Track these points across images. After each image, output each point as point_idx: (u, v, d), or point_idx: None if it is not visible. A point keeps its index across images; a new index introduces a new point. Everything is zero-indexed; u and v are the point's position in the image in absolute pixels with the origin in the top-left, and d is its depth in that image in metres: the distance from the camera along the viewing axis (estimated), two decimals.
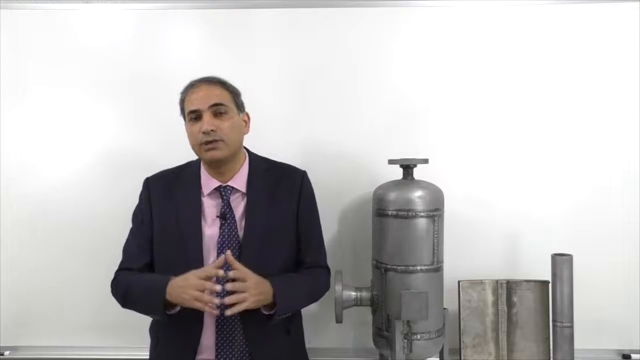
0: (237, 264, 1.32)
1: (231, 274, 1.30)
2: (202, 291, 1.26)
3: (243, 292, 1.29)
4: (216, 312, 1.30)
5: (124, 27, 1.81)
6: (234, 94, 1.46)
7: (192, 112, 1.40)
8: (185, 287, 1.28)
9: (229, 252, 1.32)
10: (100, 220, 1.78)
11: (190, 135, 1.42)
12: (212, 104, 1.39)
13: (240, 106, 1.48)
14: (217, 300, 1.26)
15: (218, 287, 1.26)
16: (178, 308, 1.34)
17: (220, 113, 1.40)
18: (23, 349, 1.82)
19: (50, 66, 1.80)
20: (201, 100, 1.39)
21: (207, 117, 1.38)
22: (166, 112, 1.75)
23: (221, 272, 1.28)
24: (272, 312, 1.36)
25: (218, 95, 1.41)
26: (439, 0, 1.77)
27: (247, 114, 1.51)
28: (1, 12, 1.79)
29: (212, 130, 1.37)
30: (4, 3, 1.79)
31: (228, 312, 1.28)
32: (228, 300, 1.27)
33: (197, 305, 1.27)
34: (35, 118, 1.80)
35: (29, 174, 1.80)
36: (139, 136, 1.80)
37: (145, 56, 1.80)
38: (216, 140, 1.38)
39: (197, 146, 1.41)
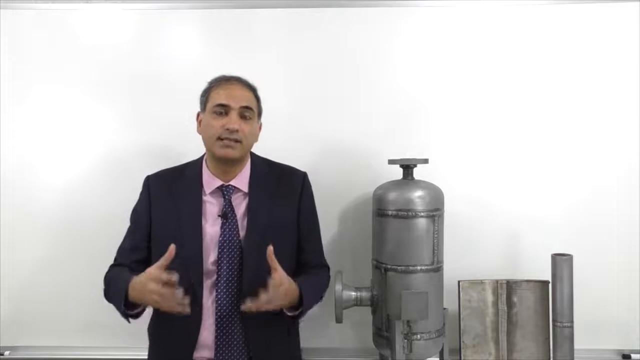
0: (275, 263, 1.29)
1: (264, 297, 1.26)
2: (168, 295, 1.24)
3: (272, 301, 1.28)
4: (187, 310, 1.26)
5: (124, 27, 1.81)
6: (258, 101, 1.48)
7: (220, 105, 1.40)
8: (143, 292, 1.26)
9: (270, 247, 1.29)
10: (100, 220, 1.78)
11: (209, 127, 1.41)
12: (244, 105, 1.41)
13: (260, 113, 1.50)
14: (187, 301, 1.24)
15: (180, 292, 1.23)
16: (141, 307, 1.34)
17: (246, 116, 1.42)
18: (23, 349, 1.82)
19: (50, 66, 1.79)
20: (235, 98, 1.40)
21: (234, 115, 1.39)
22: (167, 113, 1.77)
23: (174, 278, 1.24)
24: (295, 313, 1.37)
25: (249, 98, 1.44)
26: (439, 0, 1.77)
27: (261, 123, 1.53)
28: (1, 12, 1.79)
29: (236, 130, 1.38)
30: (4, 3, 1.79)
31: (245, 307, 1.27)
32: (256, 306, 1.26)
33: (166, 309, 1.26)
34: (35, 118, 1.80)
35: (29, 174, 1.80)
36: (139, 137, 1.80)
37: (146, 56, 1.80)
38: (235, 140, 1.39)
39: (213, 139, 1.40)
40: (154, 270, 1.25)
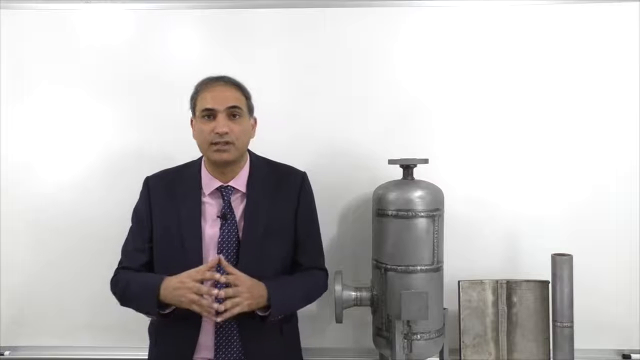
0: (231, 268, 1.32)
1: (223, 278, 1.30)
2: (200, 295, 1.27)
3: (236, 297, 1.29)
4: (216, 318, 1.29)
5: (124, 27, 1.80)
6: (247, 97, 1.46)
7: (206, 110, 1.39)
8: (181, 290, 1.28)
9: (221, 256, 1.33)
10: (100, 220, 1.78)
11: (200, 133, 1.40)
12: (230, 106, 1.39)
13: (251, 110, 1.48)
14: (216, 305, 1.26)
15: (215, 291, 1.26)
16: (173, 307, 1.34)
17: (235, 116, 1.40)
18: (23, 349, 1.82)
19: (50, 66, 1.79)
20: (219, 100, 1.39)
21: (222, 118, 1.38)
22: (166, 113, 1.77)
23: (218, 276, 1.28)
24: (266, 313, 1.36)
25: (235, 97, 1.41)
26: (439, 0, 1.77)
27: (255, 119, 1.51)
28: (1, 12, 1.79)
29: (225, 133, 1.37)
30: (4, 3, 1.79)
31: (219, 319, 1.29)
32: (221, 307, 1.27)
33: (195, 309, 1.28)
34: (34, 118, 1.80)
35: (29, 175, 1.80)
36: (139, 137, 1.80)
37: (146, 56, 1.79)
38: (227, 143, 1.38)
39: (205, 144, 1.40)
40: (196, 272, 1.29)
